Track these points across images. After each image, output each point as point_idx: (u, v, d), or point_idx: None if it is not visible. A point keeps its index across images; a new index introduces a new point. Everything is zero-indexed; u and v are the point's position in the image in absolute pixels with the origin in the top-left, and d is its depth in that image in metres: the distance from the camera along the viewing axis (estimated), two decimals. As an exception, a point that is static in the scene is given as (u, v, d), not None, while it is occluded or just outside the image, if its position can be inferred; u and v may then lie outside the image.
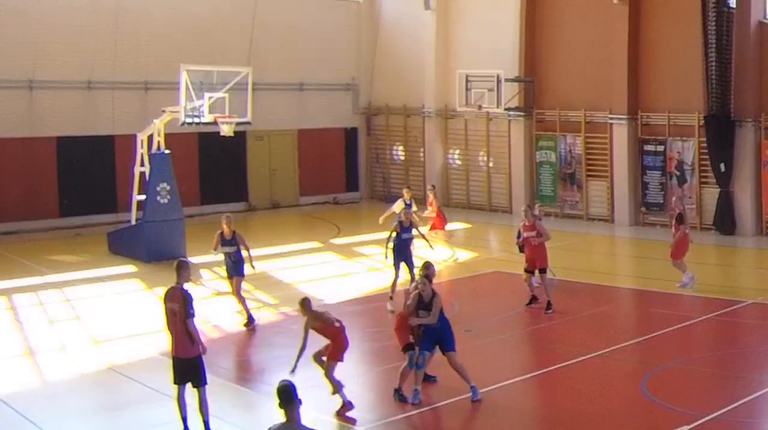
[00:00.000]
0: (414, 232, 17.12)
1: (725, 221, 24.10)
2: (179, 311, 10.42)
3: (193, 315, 10.49)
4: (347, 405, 11.43)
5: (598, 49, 26.42)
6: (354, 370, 13.98)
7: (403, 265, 16.92)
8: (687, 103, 24.60)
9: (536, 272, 16.74)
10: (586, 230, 25.67)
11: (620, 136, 25.98)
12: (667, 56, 25.13)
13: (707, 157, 24.33)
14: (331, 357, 11.51)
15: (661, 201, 25.41)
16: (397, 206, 20.57)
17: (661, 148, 25.32)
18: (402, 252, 16.93)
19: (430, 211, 22.10)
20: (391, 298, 16.62)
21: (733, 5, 23.20)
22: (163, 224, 21.08)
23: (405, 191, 21.43)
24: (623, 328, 16.03)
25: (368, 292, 17.46)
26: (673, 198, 20.53)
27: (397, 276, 16.86)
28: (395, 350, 13.85)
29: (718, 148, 23.83)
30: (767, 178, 23.73)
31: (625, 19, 25.48)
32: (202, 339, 10.73)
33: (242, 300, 15.86)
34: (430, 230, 21.42)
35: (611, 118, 26.17)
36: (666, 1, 25.12)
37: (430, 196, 22.23)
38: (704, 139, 24.29)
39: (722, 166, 23.83)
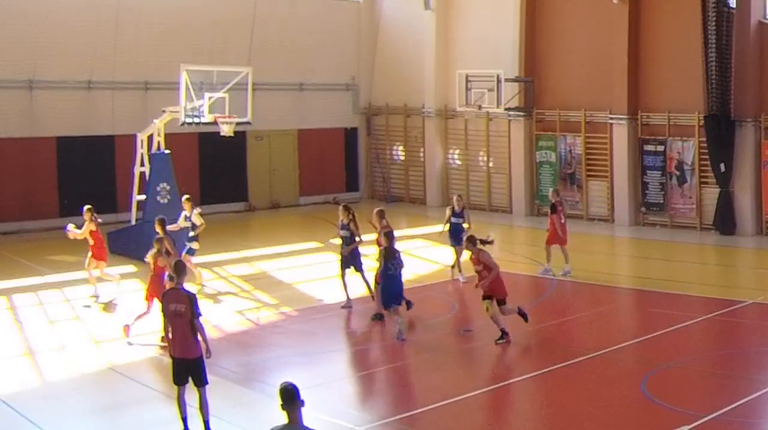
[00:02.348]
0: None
1: (725, 221, 24.10)
2: (185, 311, 10.41)
3: (200, 314, 10.50)
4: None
5: (598, 49, 26.42)
6: (354, 369, 14.00)
7: (352, 269, 16.83)
8: (687, 103, 24.60)
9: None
10: (586, 230, 25.63)
11: (620, 136, 25.98)
12: (667, 56, 25.14)
13: (707, 157, 24.33)
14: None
15: (661, 201, 25.42)
16: (181, 221, 18.72)
17: (661, 148, 25.32)
18: (353, 259, 16.82)
19: (80, 234, 17.60)
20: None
21: (733, 5, 23.20)
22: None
23: (185, 201, 18.81)
24: (623, 328, 16.03)
25: (368, 292, 17.44)
26: (551, 190, 20.97)
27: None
28: (395, 350, 13.89)
29: (718, 148, 23.83)
30: (767, 178, 23.73)
31: (625, 19, 25.49)
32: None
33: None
34: (92, 257, 17.59)
35: (611, 118, 26.17)
36: (666, 1, 25.12)
37: (86, 218, 17.69)
38: (704, 139, 24.30)
39: (722, 166, 23.84)
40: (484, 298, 14.41)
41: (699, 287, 18.36)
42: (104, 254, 17.79)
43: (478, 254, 14.37)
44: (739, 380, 12.42)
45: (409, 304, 15.79)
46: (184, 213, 18.48)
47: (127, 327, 14.64)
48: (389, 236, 15.01)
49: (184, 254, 18.02)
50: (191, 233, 18.31)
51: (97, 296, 17.58)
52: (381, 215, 16.39)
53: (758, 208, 23.91)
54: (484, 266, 14.32)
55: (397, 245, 15.39)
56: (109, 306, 17.08)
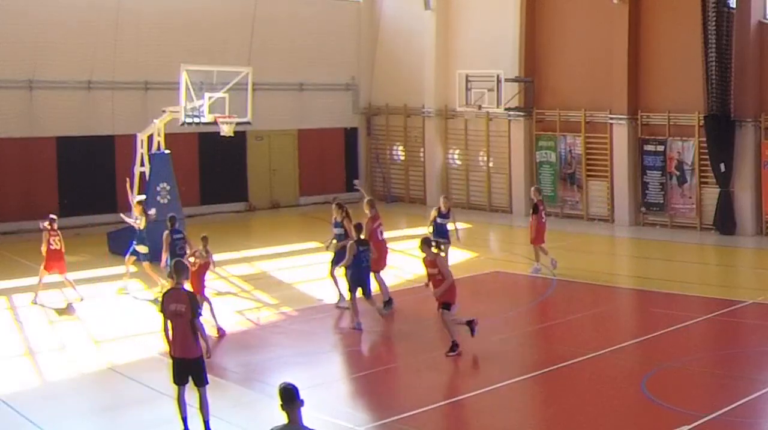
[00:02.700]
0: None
1: (725, 221, 24.10)
2: (186, 311, 10.41)
3: (200, 314, 10.51)
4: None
5: (598, 49, 26.42)
6: (354, 369, 13.99)
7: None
8: (687, 103, 24.60)
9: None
10: (586, 230, 25.67)
11: (620, 136, 25.98)
12: (667, 56, 25.13)
13: (707, 157, 24.32)
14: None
15: (661, 201, 25.42)
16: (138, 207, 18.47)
17: (661, 148, 25.31)
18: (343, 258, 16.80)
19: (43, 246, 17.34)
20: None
21: (733, 5, 23.19)
22: (163, 224, 20.98)
23: (136, 204, 18.65)
24: (623, 328, 16.04)
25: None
26: (532, 188, 21.08)
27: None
28: (395, 350, 13.89)
29: (718, 148, 23.82)
30: (767, 178, 23.72)
31: (625, 19, 25.49)
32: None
33: None
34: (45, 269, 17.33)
35: (611, 118, 26.16)
36: (666, 1, 25.12)
37: (49, 226, 17.35)
38: (704, 139, 24.29)
39: (722, 166, 23.83)
40: (441, 307, 13.81)
41: (699, 287, 18.35)
42: (49, 264, 17.23)
43: (435, 258, 13.86)
44: (739, 380, 12.42)
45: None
46: (134, 213, 18.38)
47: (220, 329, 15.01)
48: (358, 229, 15.69)
49: (128, 255, 18.05)
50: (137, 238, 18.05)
51: (81, 298, 17.50)
52: (371, 204, 17.07)
53: (758, 208, 23.90)
54: (440, 271, 13.73)
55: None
56: (67, 311, 16.94)
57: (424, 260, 13.94)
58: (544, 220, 19.74)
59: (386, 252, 17.26)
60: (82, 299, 17.42)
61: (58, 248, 17.37)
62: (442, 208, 19.13)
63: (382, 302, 16.37)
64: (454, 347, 13.68)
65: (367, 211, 16.91)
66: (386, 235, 17.52)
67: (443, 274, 13.67)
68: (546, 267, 19.56)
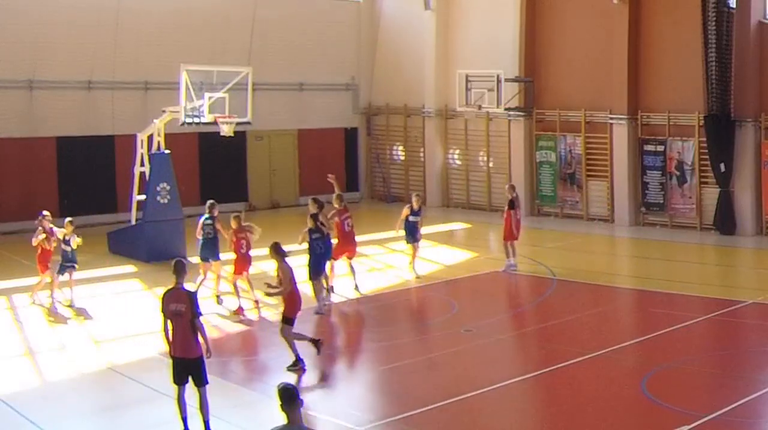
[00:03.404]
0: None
1: (725, 221, 24.10)
2: (186, 311, 10.41)
3: (200, 314, 10.51)
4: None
5: (598, 49, 26.42)
6: (353, 369, 14.00)
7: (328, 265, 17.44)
8: (687, 103, 24.60)
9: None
10: (586, 230, 25.67)
11: (620, 136, 25.98)
12: (667, 56, 25.13)
13: (707, 157, 24.32)
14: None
15: (661, 201, 25.42)
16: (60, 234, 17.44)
17: (661, 148, 25.31)
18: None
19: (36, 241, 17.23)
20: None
21: (733, 5, 23.20)
22: (163, 224, 21.08)
23: (67, 223, 17.38)
24: (623, 328, 16.04)
25: (368, 292, 17.44)
26: (507, 186, 21.27)
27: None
28: (395, 350, 13.88)
29: (718, 148, 23.82)
30: (767, 178, 23.73)
31: (625, 19, 25.49)
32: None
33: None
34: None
35: (611, 118, 26.16)
36: (666, 1, 25.12)
37: (46, 226, 17.37)
38: (704, 139, 24.30)
39: (722, 166, 23.83)
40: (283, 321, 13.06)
41: (699, 287, 18.36)
42: (42, 267, 17.21)
43: (280, 264, 13.12)
44: (739, 380, 12.43)
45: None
46: (63, 230, 17.37)
47: (240, 309, 16.39)
48: (314, 218, 16.36)
49: (65, 272, 17.35)
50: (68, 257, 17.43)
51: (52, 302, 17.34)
52: (340, 198, 17.96)
53: (758, 208, 23.90)
54: (281, 281, 13.06)
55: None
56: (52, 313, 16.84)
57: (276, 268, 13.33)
58: (519, 217, 19.98)
59: (353, 241, 18.08)
60: (52, 303, 17.26)
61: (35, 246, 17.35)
62: (414, 206, 19.34)
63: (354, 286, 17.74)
64: (296, 362, 12.90)
65: (336, 205, 17.80)
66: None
67: (283, 284, 12.99)
68: (515, 263, 19.81)
